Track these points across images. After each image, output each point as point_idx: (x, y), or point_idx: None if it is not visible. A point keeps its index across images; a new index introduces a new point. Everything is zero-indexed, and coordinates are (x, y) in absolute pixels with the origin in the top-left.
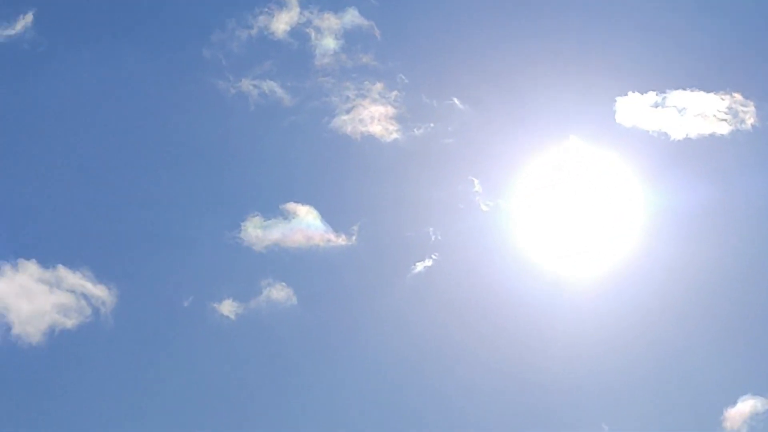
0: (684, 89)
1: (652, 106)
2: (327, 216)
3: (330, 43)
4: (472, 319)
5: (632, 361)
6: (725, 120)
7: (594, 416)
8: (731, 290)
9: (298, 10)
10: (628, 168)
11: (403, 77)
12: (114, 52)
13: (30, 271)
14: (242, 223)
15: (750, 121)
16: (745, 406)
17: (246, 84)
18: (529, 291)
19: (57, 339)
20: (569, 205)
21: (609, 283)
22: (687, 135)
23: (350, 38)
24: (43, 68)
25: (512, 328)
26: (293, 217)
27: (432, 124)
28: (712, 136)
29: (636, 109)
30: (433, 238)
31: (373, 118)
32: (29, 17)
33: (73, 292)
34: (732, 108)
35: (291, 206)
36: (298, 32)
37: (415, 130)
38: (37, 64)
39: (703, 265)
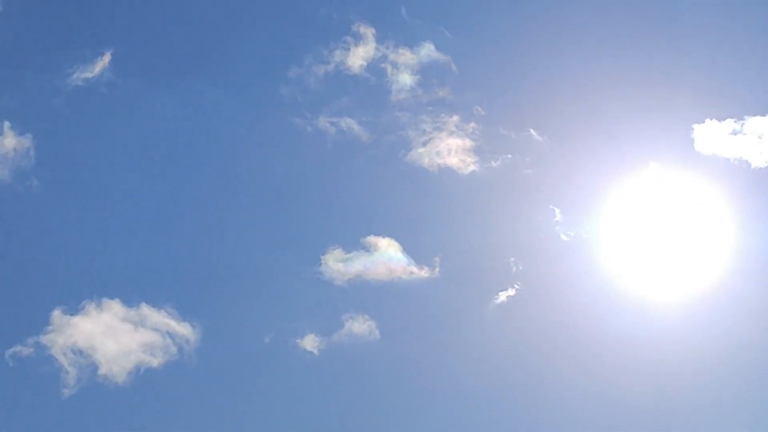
0: (763, 116)
1: (730, 134)
2: (408, 248)
3: (406, 78)
4: (555, 348)
5: (720, 385)
6: None
7: None
8: None
9: (374, 45)
10: (709, 195)
11: (480, 109)
12: (191, 91)
13: (114, 310)
14: (322, 257)
15: None
16: None
17: (323, 122)
18: (611, 319)
19: (143, 378)
20: (650, 233)
21: (692, 310)
22: None
23: (426, 73)
24: (121, 109)
25: (595, 356)
26: (374, 250)
27: (510, 156)
28: None
29: (714, 136)
30: (514, 269)
31: (450, 150)
32: (107, 58)
33: (157, 330)
34: None
35: (372, 239)
36: (374, 68)
37: (492, 161)
38: (115, 105)
39: None
